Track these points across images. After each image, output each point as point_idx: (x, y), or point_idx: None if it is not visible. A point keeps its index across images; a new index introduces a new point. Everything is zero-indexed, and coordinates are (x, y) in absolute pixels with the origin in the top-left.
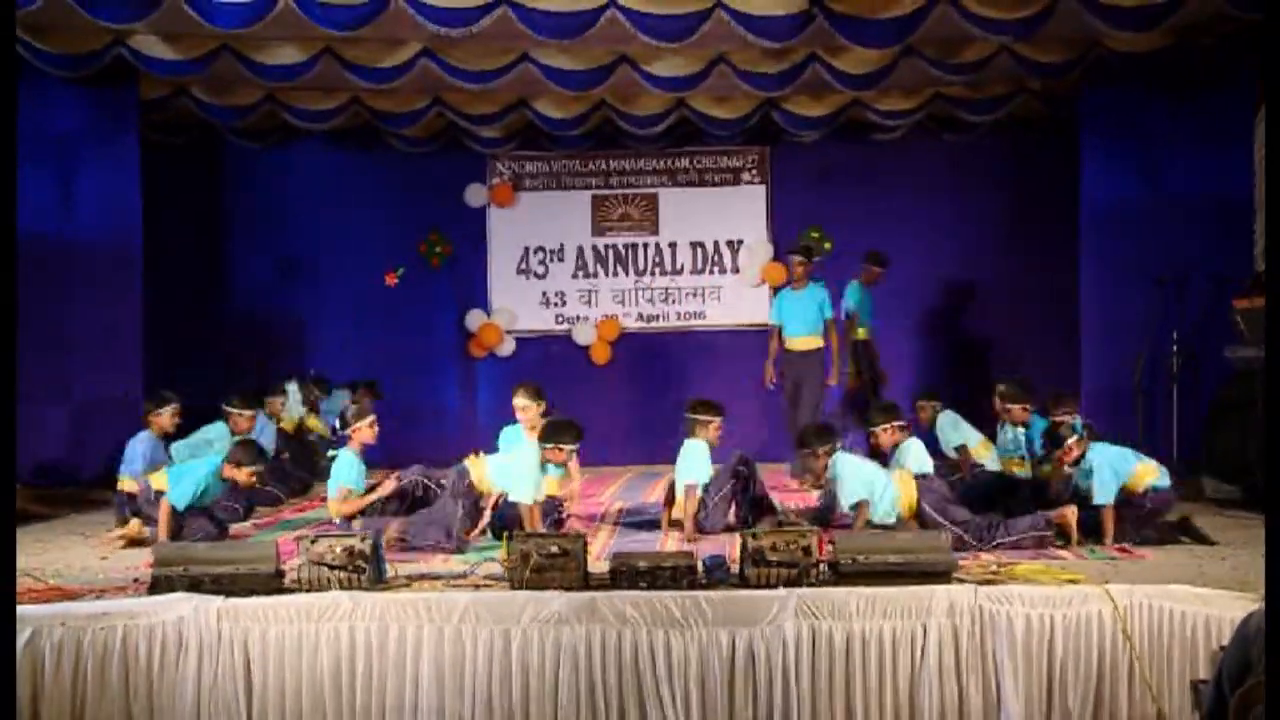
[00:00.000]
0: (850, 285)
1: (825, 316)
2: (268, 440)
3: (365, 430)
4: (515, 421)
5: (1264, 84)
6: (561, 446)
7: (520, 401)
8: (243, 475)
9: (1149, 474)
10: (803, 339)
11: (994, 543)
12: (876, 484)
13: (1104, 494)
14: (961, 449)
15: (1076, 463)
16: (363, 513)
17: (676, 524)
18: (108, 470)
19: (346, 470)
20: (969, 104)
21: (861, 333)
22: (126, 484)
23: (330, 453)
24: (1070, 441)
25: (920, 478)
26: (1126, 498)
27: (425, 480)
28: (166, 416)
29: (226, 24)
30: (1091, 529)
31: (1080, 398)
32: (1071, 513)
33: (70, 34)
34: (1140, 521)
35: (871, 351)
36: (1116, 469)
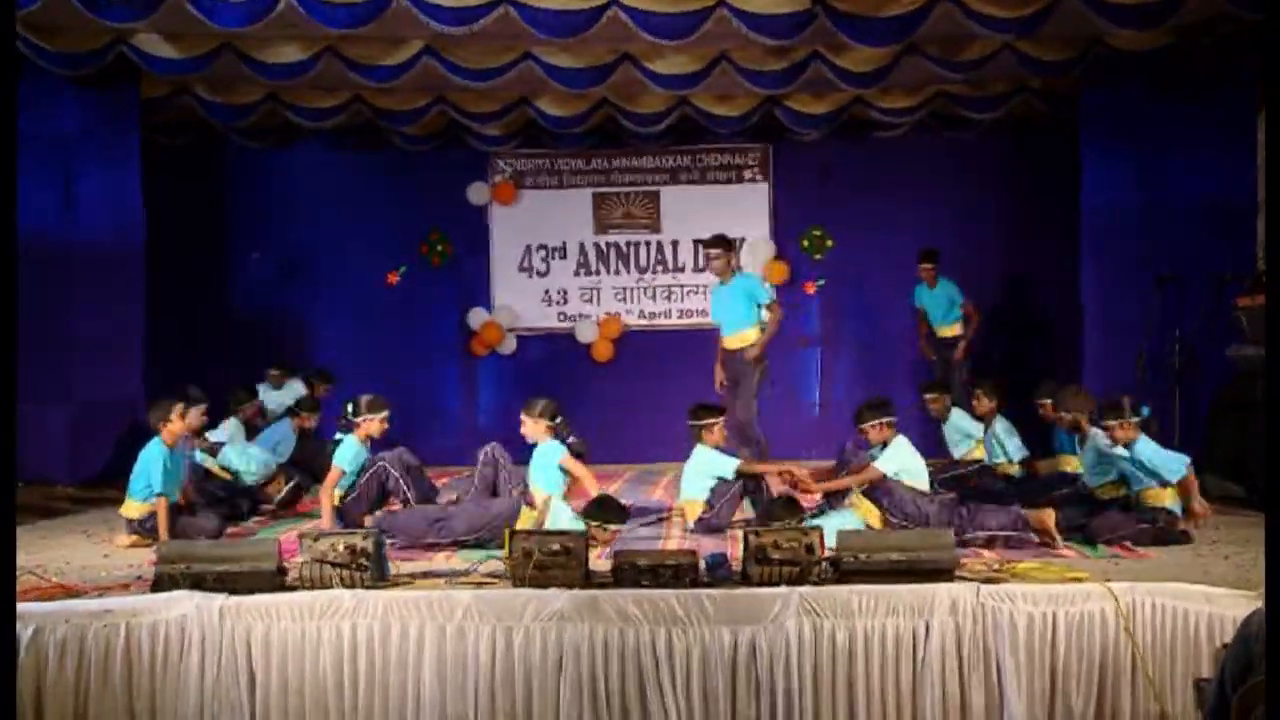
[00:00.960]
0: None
1: (760, 302)
2: (287, 448)
3: (375, 424)
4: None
5: (1264, 83)
6: (607, 527)
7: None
8: (177, 423)
9: (1171, 496)
10: (733, 336)
11: (962, 536)
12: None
13: (1173, 470)
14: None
15: (1127, 446)
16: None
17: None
18: (109, 468)
19: (345, 453)
20: (970, 102)
21: (939, 330)
22: (131, 509)
23: (337, 436)
24: (1134, 420)
25: (881, 492)
26: (1145, 507)
27: (391, 470)
28: (178, 418)
29: (228, 23)
30: (1084, 527)
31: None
32: (1049, 515)
33: (72, 33)
34: (1144, 533)
35: (945, 353)
36: (1167, 460)
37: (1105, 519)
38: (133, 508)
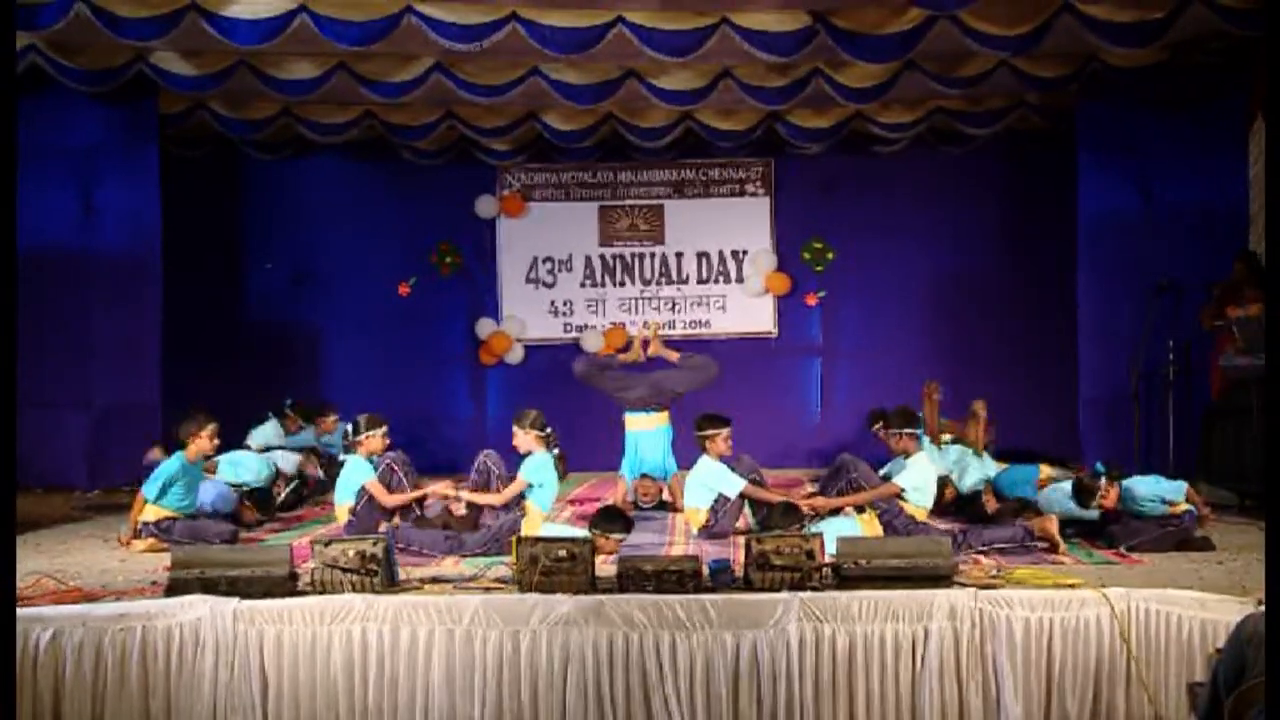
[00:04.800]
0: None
1: None
2: (290, 465)
3: (376, 440)
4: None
5: (1266, 89)
6: (609, 535)
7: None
8: (205, 442)
9: (1182, 502)
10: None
11: (972, 550)
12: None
13: (1175, 488)
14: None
15: (1119, 501)
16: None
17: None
18: (127, 473)
19: (362, 473)
20: (968, 117)
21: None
22: (148, 512)
23: (341, 458)
24: (1103, 486)
25: (883, 512)
26: (1163, 519)
27: (396, 468)
28: (205, 438)
29: (244, 40)
30: (1108, 533)
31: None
32: (1052, 521)
33: (93, 51)
34: (1165, 537)
35: None
36: (1163, 499)
37: (1126, 525)
38: (149, 511)
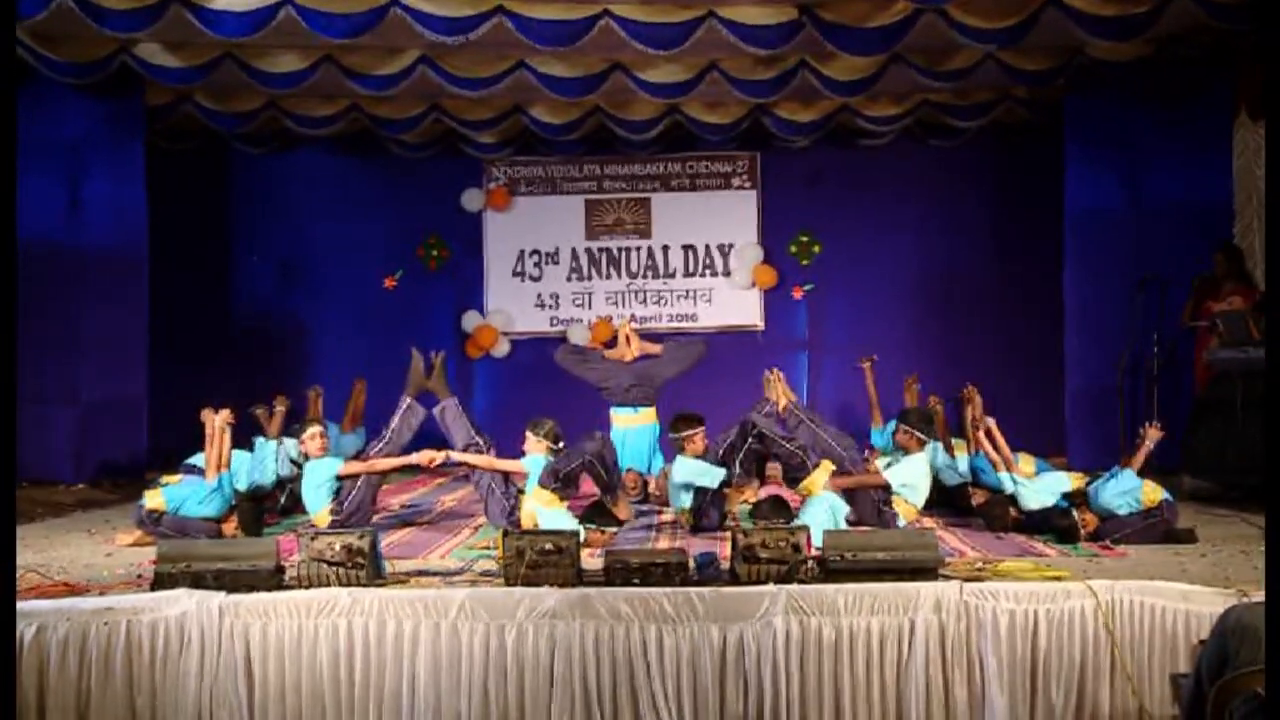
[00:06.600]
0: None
1: None
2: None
3: (312, 442)
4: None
5: (1265, 89)
6: (603, 530)
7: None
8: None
9: (1157, 491)
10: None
11: None
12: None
13: (1132, 484)
14: None
15: (1102, 520)
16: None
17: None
18: (113, 468)
19: (328, 469)
20: (955, 110)
21: None
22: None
23: (294, 471)
24: (1077, 517)
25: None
26: (1145, 511)
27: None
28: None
29: (229, 32)
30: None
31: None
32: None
33: (77, 43)
34: (1151, 529)
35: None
36: (1129, 494)
37: (1113, 520)
38: (155, 499)
